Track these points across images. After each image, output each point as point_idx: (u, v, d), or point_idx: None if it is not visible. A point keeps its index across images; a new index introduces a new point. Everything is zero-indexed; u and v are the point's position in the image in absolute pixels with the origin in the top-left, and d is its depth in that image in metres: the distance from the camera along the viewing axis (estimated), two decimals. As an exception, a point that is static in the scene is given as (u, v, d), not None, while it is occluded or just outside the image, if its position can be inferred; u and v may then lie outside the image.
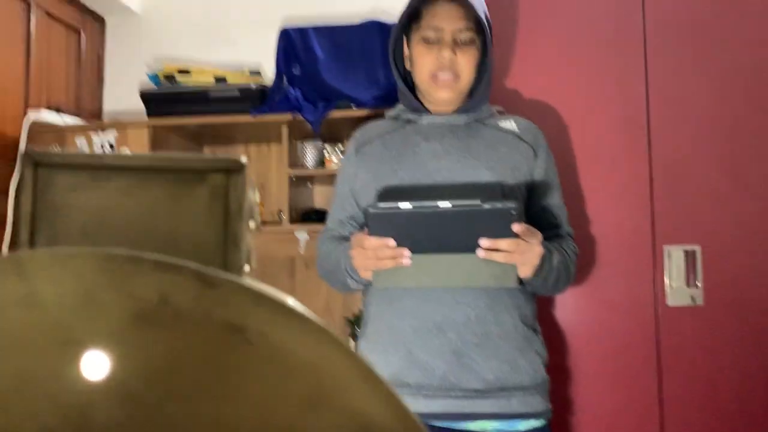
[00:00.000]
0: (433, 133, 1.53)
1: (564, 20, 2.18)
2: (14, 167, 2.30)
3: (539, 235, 1.29)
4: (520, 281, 1.30)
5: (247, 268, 0.32)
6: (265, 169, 2.69)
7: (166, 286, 0.23)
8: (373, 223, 1.25)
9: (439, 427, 1.39)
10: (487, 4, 1.55)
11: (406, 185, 1.47)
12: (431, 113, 1.56)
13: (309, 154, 2.43)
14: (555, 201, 1.55)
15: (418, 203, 1.22)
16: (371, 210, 1.24)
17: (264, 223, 2.57)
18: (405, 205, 1.22)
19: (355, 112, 2.26)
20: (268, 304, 0.23)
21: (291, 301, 0.24)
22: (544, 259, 1.32)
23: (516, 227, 1.23)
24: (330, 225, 1.60)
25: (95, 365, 0.21)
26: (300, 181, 2.44)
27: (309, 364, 0.23)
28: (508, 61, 2.19)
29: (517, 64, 2.19)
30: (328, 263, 1.53)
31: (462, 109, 1.55)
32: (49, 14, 2.57)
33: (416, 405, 1.38)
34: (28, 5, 2.47)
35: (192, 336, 0.22)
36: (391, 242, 1.26)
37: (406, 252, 1.26)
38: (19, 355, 0.21)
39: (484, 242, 1.23)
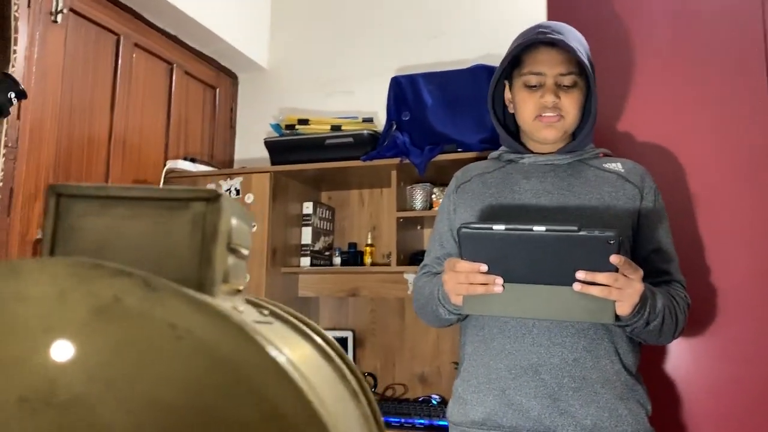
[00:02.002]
0: (534, 172, 1.53)
1: (681, 58, 2.10)
2: (153, 211, 2.56)
3: (640, 272, 1.24)
4: (617, 318, 1.25)
5: (239, 284, 0.37)
6: (377, 212, 2.79)
7: (119, 288, 0.28)
8: (465, 243, 1.24)
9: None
10: (597, 44, 1.54)
11: (508, 205, 1.47)
12: (534, 153, 1.56)
13: (418, 196, 2.49)
14: (663, 246, 1.47)
15: (512, 225, 1.19)
16: (463, 229, 1.21)
17: (375, 264, 2.65)
18: (498, 227, 1.19)
19: (463, 155, 2.30)
20: (196, 306, 0.28)
21: (217, 304, 0.28)
22: (646, 300, 1.26)
23: (614, 259, 1.18)
24: (427, 261, 1.63)
25: (63, 349, 0.27)
26: (409, 224, 2.50)
27: (228, 357, 0.27)
28: (620, 103, 2.14)
29: (630, 105, 2.13)
30: (422, 296, 1.55)
31: (565, 149, 1.54)
32: (188, 73, 2.87)
33: (510, 447, 1.36)
34: (171, 66, 2.77)
35: (137, 329, 0.27)
36: (483, 267, 1.25)
37: (499, 280, 1.24)
38: (11, 339, 0.27)
39: (580, 274, 1.19)
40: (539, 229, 1.15)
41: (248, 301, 0.40)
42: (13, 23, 1.74)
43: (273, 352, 0.27)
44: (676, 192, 1.97)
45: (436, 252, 1.60)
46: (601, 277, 1.18)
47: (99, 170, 2.41)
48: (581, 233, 1.14)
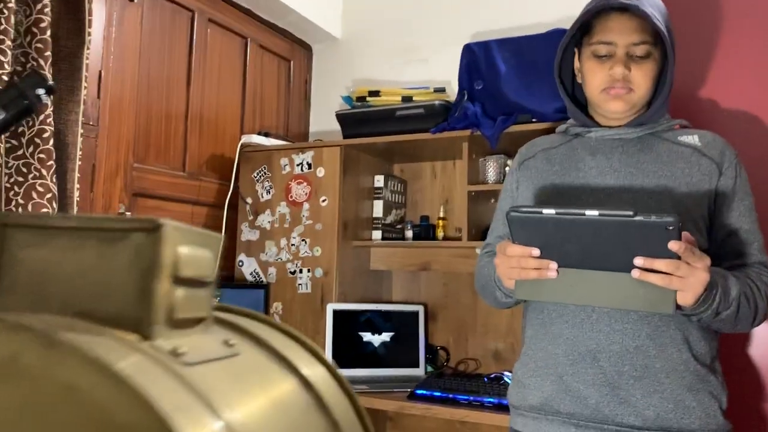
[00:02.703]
0: (601, 147, 1.43)
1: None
2: (230, 185, 2.62)
3: (706, 260, 1.13)
4: (679, 308, 1.16)
5: (198, 314, 0.34)
6: (449, 185, 2.73)
7: (17, 344, 0.26)
8: (515, 227, 1.18)
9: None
10: (677, 6, 1.41)
11: (569, 185, 1.39)
12: (602, 127, 1.46)
13: (490, 169, 2.41)
14: (744, 225, 1.35)
15: (563, 210, 1.12)
16: (512, 213, 1.16)
17: (447, 238, 2.61)
18: (548, 211, 1.12)
19: (538, 126, 2.20)
20: (96, 367, 0.26)
21: (114, 364, 0.26)
22: (713, 289, 1.16)
23: (674, 245, 1.09)
24: (490, 240, 1.58)
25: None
26: (481, 197, 2.43)
27: (125, 427, 0.25)
28: (703, 68, 1.96)
29: (714, 70, 1.95)
30: (482, 276, 1.51)
31: (635, 122, 1.43)
32: (262, 47, 2.89)
33: (568, 435, 1.30)
34: (245, 40, 2.80)
35: (35, 391, 0.26)
36: (535, 252, 1.19)
37: (552, 264, 1.19)
38: None
39: (638, 261, 1.11)
40: (592, 213, 1.07)
41: (223, 323, 0.38)
42: (87, 6, 1.79)
43: (175, 423, 0.24)
44: (765, 166, 1.79)
45: (499, 231, 1.55)
46: (661, 264, 1.10)
47: (177, 146, 2.48)
48: (637, 219, 1.05)
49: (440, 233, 2.60)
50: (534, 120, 2.23)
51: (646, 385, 1.26)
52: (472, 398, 1.99)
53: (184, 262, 0.34)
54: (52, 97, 0.83)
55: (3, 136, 1.62)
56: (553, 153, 1.49)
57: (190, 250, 0.35)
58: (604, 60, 1.38)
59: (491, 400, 1.96)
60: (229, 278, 2.64)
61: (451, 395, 2.02)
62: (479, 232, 2.41)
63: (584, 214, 1.08)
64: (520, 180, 1.52)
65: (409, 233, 2.67)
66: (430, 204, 2.76)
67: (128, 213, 2.22)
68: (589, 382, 1.29)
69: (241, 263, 2.62)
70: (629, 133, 1.42)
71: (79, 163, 1.77)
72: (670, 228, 1.05)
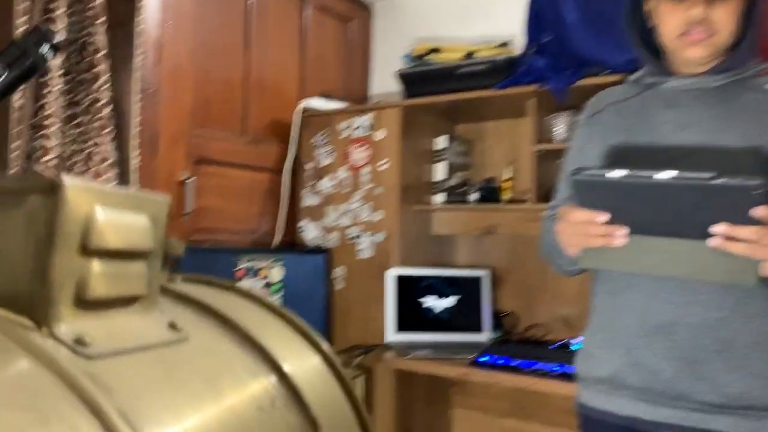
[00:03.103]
0: (678, 98, 1.30)
1: None
2: (287, 150, 2.60)
3: None
4: (762, 279, 1.04)
5: (128, 291, 0.29)
6: (516, 145, 2.61)
7: None
8: (579, 191, 1.09)
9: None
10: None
11: (641, 143, 1.27)
12: (678, 76, 1.33)
13: (559, 127, 2.28)
14: None
15: (633, 172, 1.01)
16: (575, 176, 1.06)
17: (514, 200, 2.50)
18: (615, 173, 1.01)
19: (609, 78, 2.05)
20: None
21: None
22: None
23: (761, 211, 0.97)
24: (555, 203, 1.48)
25: None
26: (549, 156, 2.31)
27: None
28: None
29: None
30: (546, 243, 1.41)
31: (718, 69, 1.28)
32: (320, 7, 2.83)
33: (636, 410, 1.21)
34: (303, 1, 2.74)
35: None
36: (601, 217, 1.10)
37: (620, 231, 1.09)
38: None
39: (717, 228, 1.00)
40: (665, 176, 0.96)
41: (187, 301, 0.33)
42: (139, -29, 1.78)
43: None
44: None
45: (564, 193, 1.44)
46: (744, 232, 0.98)
47: (236, 111, 2.47)
48: (718, 181, 0.93)
49: (506, 195, 2.50)
50: (606, 72, 2.08)
51: (728, 360, 1.15)
52: (537, 366, 1.91)
53: (100, 229, 0.29)
54: (56, 54, 0.79)
55: (62, 105, 1.64)
56: (624, 106, 1.37)
57: (111, 215, 0.30)
58: (680, 1, 1.24)
59: (557, 368, 1.88)
60: (291, 244, 2.64)
61: (515, 362, 1.95)
62: (547, 194, 2.29)
63: (656, 178, 0.98)
64: (588, 137, 1.40)
65: (474, 196, 2.58)
66: (496, 165, 2.65)
67: (190, 180, 2.24)
68: (662, 355, 1.19)
69: (302, 229, 2.61)
70: (711, 82, 1.28)
71: (138, 129, 1.77)
72: (756, 192, 0.94)
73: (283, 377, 0.30)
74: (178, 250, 0.36)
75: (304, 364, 0.32)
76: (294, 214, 2.64)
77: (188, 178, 2.24)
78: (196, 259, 1.96)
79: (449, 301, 2.43)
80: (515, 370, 1.93)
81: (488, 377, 1.94)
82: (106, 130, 1.68)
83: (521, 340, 2.43)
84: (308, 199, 2.61)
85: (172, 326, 0.29)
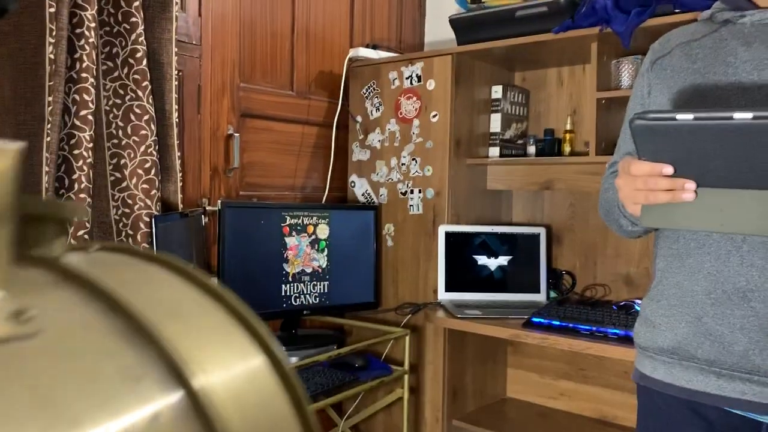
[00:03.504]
0: (758, 35, 1.14)
1: None
2: (338, 103, 2.52)
3: None
4: None
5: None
6: (578, 93, 2.44)
7: None
8: (642, 138, 0.96)
9: (735, 414, 1.10)
10: None
11: (717, 85, 1.13)
12: (760, 8, 1.16)
13: (624, 73, 2.11)
14: None
15: (704, 113, 0.88)
16: (637, 121, 0.93)
17: (575, 153, 2.35)
18: (684, 116, 0.89)
19: (680, 17, 1.86)
20: None
21: None
22: None
23: None
24: (616, 158, 1.35)
25: None
26: (613, 105, 2.14)
27: None
28: None
29: None
30: (605, 201, 1.29)
31: (807, -2, 1.12)
32: (370, -48, 2.69)
33: (707, 384, 1.10)
34: (351, -54, 2.61)
35: None
36: (668, 169, 0.97)
37: (689, 184, 0.96)
38: None
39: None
40: (743, 116, 0.83)
41: (71, 277, 0.26)
42: None
43: None
44: None
45: (627, 147, 1.30)
46: None
47: (284, 64, 2.40)
48: None
49: (567, 148, 2.35)
50: (676, 10, 1.89)
51: None
52: (594, 328, 1.80)
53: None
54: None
55: (98, 58, 1.60)
56: (695, 47, 1.21)
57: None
58: None
59: (616, 331, 1.76)
60: (342, 200, 2.58)
61: (571, 324, 1.85)
62: (610, 146, 2.14)
63: (732, 118, 0.85)
64: (653, 83, 1.26)
65: (532, 149, 2.44)
66: (555, 115, 2.49)
67: (236, 134, 2.20)
68: (737, 325, 1.07)
69: (352, 184, 2.55)
70: (799, 14, 1.11)
71: (176, 83, 1.73)
72: None
73: (189, 391, 0.22)
74: (74, 213, 0.28)
75: (232, 369, 0.25)
76: (343, 169, 2.57)
77: (234, 133, 2.19)
78: (240, 217, 1.93)
79: (503, 260, 2.33)
80: (571, 332, 1.82)
81: (542, 339, 1.85)
82: (144, 83, 1.63)
83: (580, 301, 2.31)
84: (357, 154, 2.53)
85: (17, 316, 0.22)
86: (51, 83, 1.40)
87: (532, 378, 2.51)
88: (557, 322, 1.87)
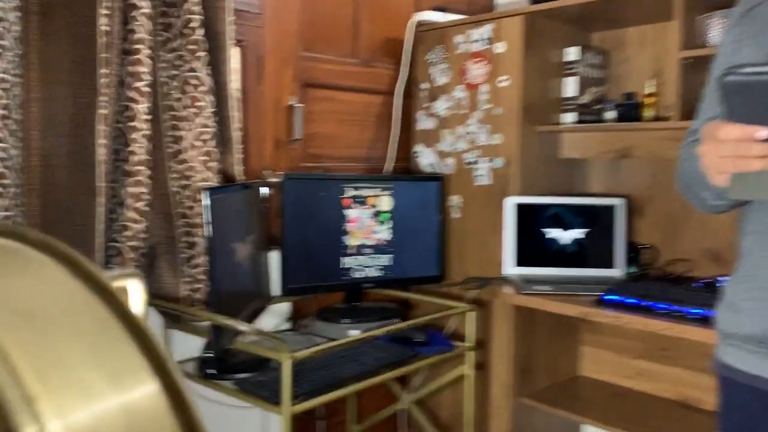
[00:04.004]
0: None
1: None
2: (398, 70, 2.44)
3: None
4: None
5: None
6: (662, 53, 2.25)
7: None
8: (732, 97, 0.83)
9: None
10: None
11: None
12: None
13: (713, 29, 1.92)
14: None
15: None
16: (728, 77, 0.81)
17: (658, 118, 2.18)
18: None
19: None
20: None
21: None
22: None
23: None
24: (696, 126, 1.21)
25: None
26: (699, 66, 1.95)
27: None
28: None
29: None
30: (685, 173, 1.16)
31: None
32: None
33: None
34: None
35: None
36: (762, 132, 0.85)
37: None
38: None
39: None
40: None
41: None
42: None
43: None
44: None
45: (710, 112, 1.16)
46: None
47: (346, 31, 2.34)
48: None
49: (648, 113, 2.18)
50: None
51: None
52: (672, 307, 1.67)
53: None
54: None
55: (155, 28, 1.60)
56: None
57: None
58: None
59: (697, 311, 1.63)
60: (407, 170, 2.52)
61: (646, 302, 1.72)
62: (695, 110, 1.96)
63: None
64: (743, 37, 1.11)
65: (610, 114, 2.28)
66: (637, 78, 2.32)
67: (299, 105, 2.16)
68: None
69: (417, 154, 2.47)
70: None
71: (234, 52, 1.70)
72: None
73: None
74: None
75: (101, 403, 0.19)
76: (408, 139, 2.50)
77: (297, 104, 2.16)
78: (301, 189, 1.90)
79: (577, 233, 2.20)
80: (646, 311, 1.70)
81: (614, 318, 1.73)
82: (199, 53, 1.62)
83: (660, 276, 2.16)
84: (423, 123, 2.45)
85: None
86: (104, 55, 1.40)
87: (608, 356, 2.39)
88: (631, 300, 1.75)
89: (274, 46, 2.11)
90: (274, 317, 2.05)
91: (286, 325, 2.07)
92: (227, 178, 1.80)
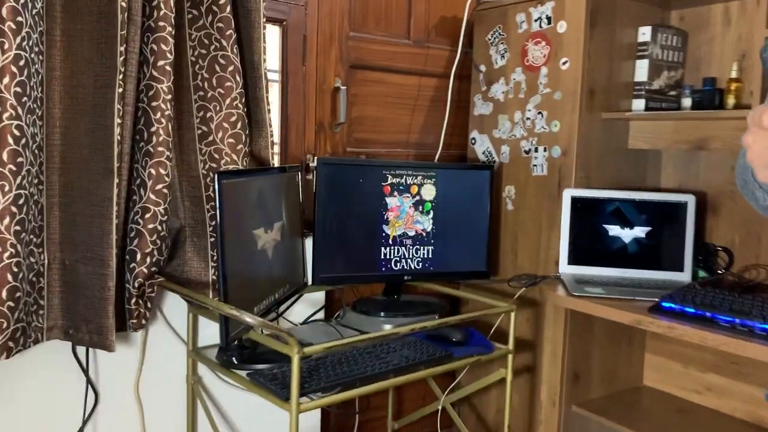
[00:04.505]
0: None
1: None
2: (460, 51, 2.31)
3: None
4: None
5: None
6: (749, 34, 2.00)
7: None
8: None
9: None
10: None
11: None
12: None
13: (807, 3, 1.67)
14: None
15: None
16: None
17: (740, 106, 1.94)
18: None
19: None
20: None
21: None
22: None
23: None
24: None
25: None
26: (790, 46, 1.71)
27: None
28: None
29: None
30: (740, 166, 0.99)
31: None
32: None
33: None
34: None
35: None
36: None
37: None
38: None
39: None
40: None
41: None
42: None
43: None
44: None
45: None
46: None
47: (400, 9, 2.23)
48: None
49: (730, 100, 1.95)
50: None
51: None
52: (737, 320, 1.47)
53: None
54: None
55: (185, 6, 1.55)
56: None
57: None
58: None
59: (764, 326, 1.42)
60: (462, 158, 2.39)
61: (708, 313, 1.53)
62: (782, 96, 1.72)
63: None
64: None
65: (687, 101, 2.06)
66: (719, 61, 2.08)
67: (343, 87, 2.08)
68: None
69: (473, 141, 2.34)
70: None
71: (264, 30, 1.64)
72: None
73: None
74: None
75: None
76: (464, 125, 2.36)
77: (341, 86, 2.08)
78: (337, 175, 1.83)
79: (640, 231, 2.01)
80: (707, 322, 1.51)
81: (668, 329, 1.55)
82: (228, 32, 1.56)
83: (734, 284, 1.93)
84: (480, 108, 2.31)
85: None
86: (124, 32, 1.37)
87: (674, 367, 2.18)
88: (691, 310, 1.56)
89: (319, 26, 2.03)
90: (309, 306, 2.00)
91: (320, 315, 2.01)
92: (259, 162, 1.75)
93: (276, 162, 2.03)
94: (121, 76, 1.37)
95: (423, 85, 2.30)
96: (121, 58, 1.37)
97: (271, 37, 1.96)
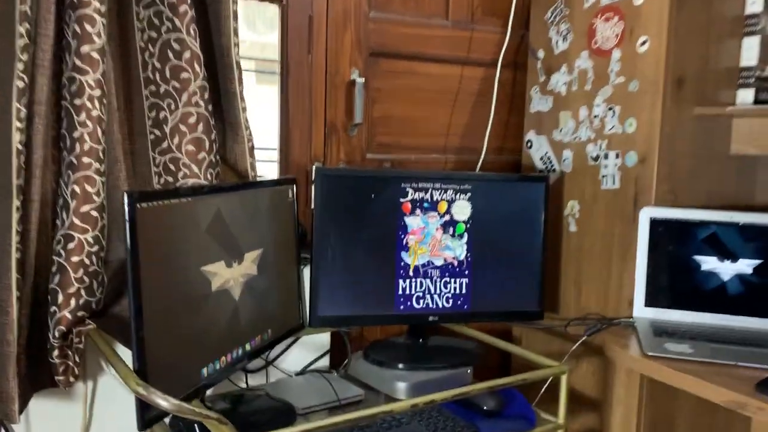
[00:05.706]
0: None
1: None
2: (512, 34, 1.87)
3: None
4: None
5: None
6: None
7: None
8: None
9: None
10: None
11: None
12: None
13: None
14: None
15: None
16: None
17: None
18: None
19: None
20: None
21: None
22: None
23: None
24: None
25: None
26: None
27: None
28: None
29: None
30: None
31: None
32: None
33: None
34: None
35: None
36: None
37: None
38: None
39: None
40: None
41: None
42: None
43: None
44: None
45: None
46: None
47: (435, -16, 1.81)
48: None
49: None
50: None
51: None
52: None
53: None
54: None
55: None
56: None
57: None
58: None
59: None
60: (515, 166, 1.95)
61: None
62: None
63: None
64: None
65: (814, 91, 1.54)
66: None
67: (361, 80, 1.70)
68: None
69: (529, 144, 1.89)
70: None
71: (235, 5, 1.28)
72: None
73: None
74: None
75: None
76: (519, 124, 1.92)
77: (358, 78, 1.70)
78: (341, 188, 1.45)
79: (746, 265, 1.50)
80: None
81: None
82: (182, 8, 1.21)
83: None
84: (538, 103, 1.86)
85: None
86: (25, 7, 1.04)
87: (792, 443, 1.65)
88: (825, 395, 1.07)
89: (330, 4, 1.66)
90: (313, 350, 1.62)
91: (325, 361, 1.63)
92: (237, 174, 1.39)
93: (276, 172, 1.68)
94: (21, 66, 1.05)
95: (468, 76, 1.87)
96: (22, 42, 1.04)
97: (268, 18, 1.60)
